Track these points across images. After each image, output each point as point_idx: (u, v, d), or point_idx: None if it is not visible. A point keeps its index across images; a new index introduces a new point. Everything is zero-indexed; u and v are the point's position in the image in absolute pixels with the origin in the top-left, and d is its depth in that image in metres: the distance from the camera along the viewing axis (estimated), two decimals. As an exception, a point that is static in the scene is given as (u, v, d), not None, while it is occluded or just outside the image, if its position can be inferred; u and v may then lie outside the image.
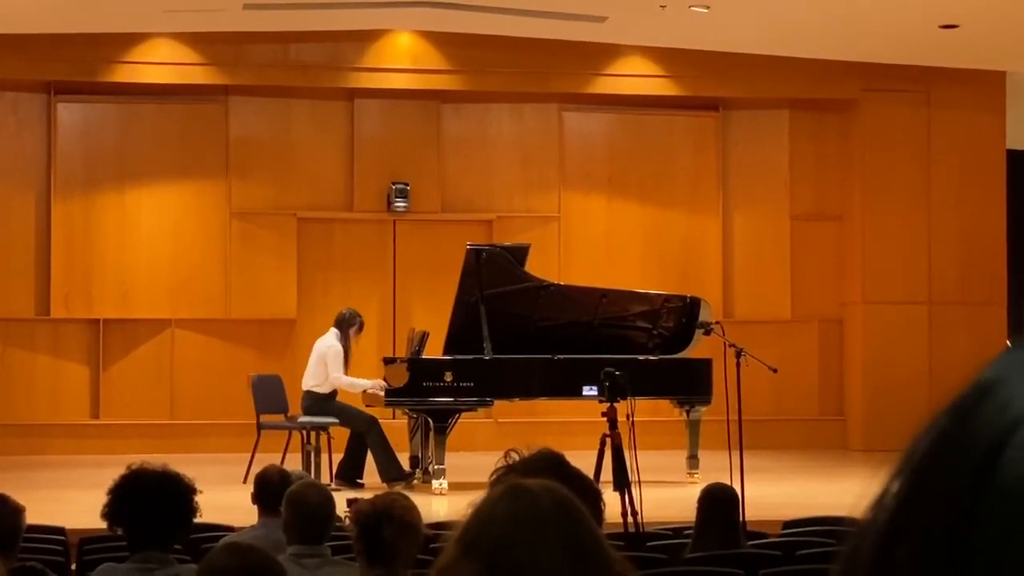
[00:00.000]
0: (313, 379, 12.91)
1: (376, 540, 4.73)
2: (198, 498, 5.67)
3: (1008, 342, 16.64)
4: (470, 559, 2.28)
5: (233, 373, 15.57)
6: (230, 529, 7.27)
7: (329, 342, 12.92)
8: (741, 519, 7.18)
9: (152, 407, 16.08)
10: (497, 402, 12.85)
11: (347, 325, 13.02)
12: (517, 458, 2.97)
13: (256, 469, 7.57)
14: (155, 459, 6.00)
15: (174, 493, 5.56)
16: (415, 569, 4.65)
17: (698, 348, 13.21)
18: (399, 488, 11.54)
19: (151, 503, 5.51)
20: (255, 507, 7.09)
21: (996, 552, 0.63)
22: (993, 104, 16.82)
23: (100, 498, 5.68)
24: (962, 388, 0.70)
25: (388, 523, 4.77)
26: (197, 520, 5.80)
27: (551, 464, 2.92)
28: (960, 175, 16.84)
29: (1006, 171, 16.94)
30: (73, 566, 7.59)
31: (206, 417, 15.90)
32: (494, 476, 2.87)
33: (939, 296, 16.77)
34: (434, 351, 12.88)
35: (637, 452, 9.71)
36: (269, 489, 6.76)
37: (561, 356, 12.57)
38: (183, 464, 6.26)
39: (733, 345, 11.34)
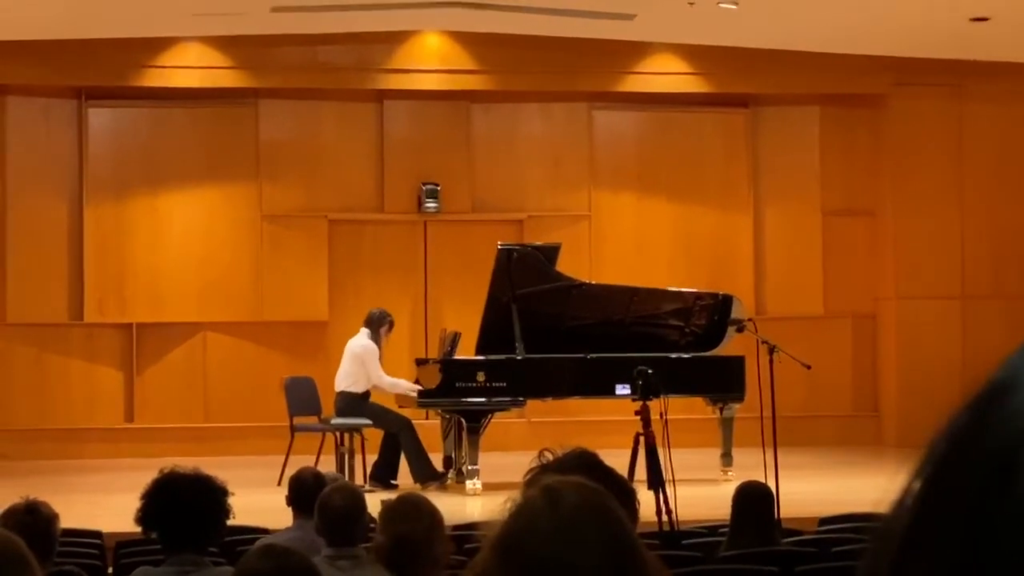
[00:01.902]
0: (346, 380, 12.91)
1: (402, 543, 4.71)
2: (231, 500, 5.68)
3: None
4: (507, 567, 2.27)
5: (266, 375, 15.60)
6: (264, 531, 7.28)
7: (363, 342, 12.92)
8: (776, 516, 7.15)
9: (185, 410, 16.12)
10: (530, 402, 12.86)
11: (377, 325, 13.02)
12: (551, 458, 2.96)
13: (290, 471, 7.59)
14: (189, 462, 6.01)
15: (206, 495, 5.57)
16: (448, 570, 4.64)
17: (730, 345, 13.18)
18: (433, 488, 11.56)
19: (183, 506, 5.52)
20: (289, 509, 7.11)
21: (1013, 559, 0.62)
22: (1024, 97, 16.74)
23: (135, 502, 5.69)
24: (978, 388, 0.68)
25: (417, 524, 4.77)
26: (231, 522, 5.82)
27: (585, 463, 2.91)
28: (992, 168, 16.76)
29: (1039, 164, 16.86)
30: (110, 569, 7.61)
31: (239, 420, 15.93)
32: (528, 476, 2.86)
33: (972, 290, 16.69)
34: (466, 351, 12.88)
35: (671, 450, 9.69)
36: (303, 491, 6.78)
37: (593, 355, 12.55)
38: (216, 467, 6.27)
39: (766, 342, 11.31)
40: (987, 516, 0.63)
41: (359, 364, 12.85)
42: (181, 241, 16.30)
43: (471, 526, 6.56)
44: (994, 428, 0.65)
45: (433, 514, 4.91)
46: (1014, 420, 0.64)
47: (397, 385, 12.88)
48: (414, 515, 4.82)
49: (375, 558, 4.92)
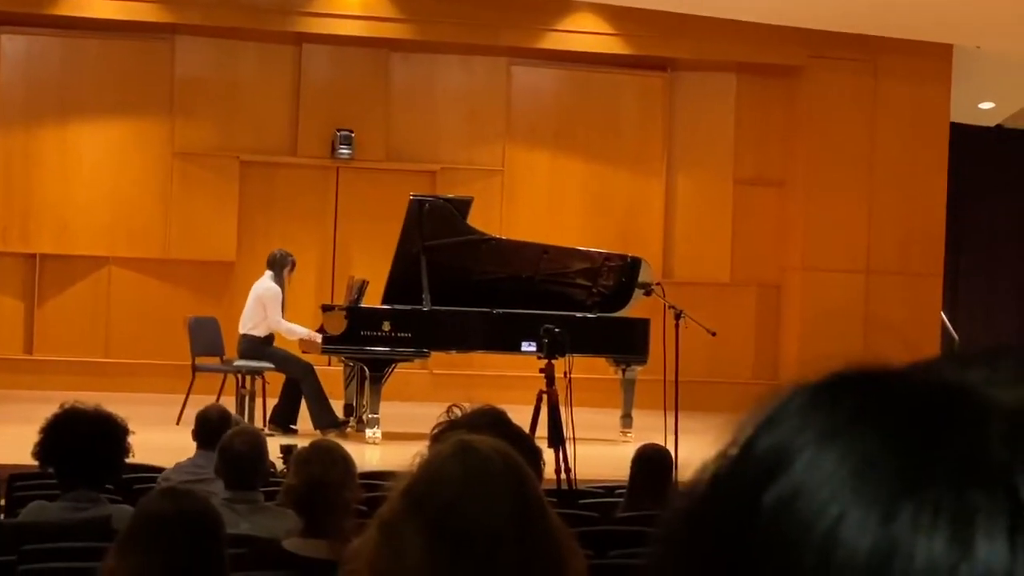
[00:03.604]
0: (250, 322, 12.85)
1: (315, 488, 4.72)
2: (131, 439, 5.66)
3: (942, 314, 16.81)
4: (416, 516, 2.28)
5: (170, 314, 15.48)
6: (162, 470, 7.23)
7: (266, 284, 12.86)
8: (674, 480, 7.21)
9: (87, 344, 15.97)
10: (434, 353, 12.85)
11: (280, 265, 12.96)
12: (460, 413, 2.97)
13: (190, 411, 7.56)
14: (88, 397, 5.98)
15: (106, 433, 5.54)
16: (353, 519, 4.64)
17: (637, 308, 13.25)
18: (332, 435, 11.54)
19: (83, 443, 5.49)
20: (190, 446, 7.10)
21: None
22: (938, 77, 16.89)
23: (32, 434, 5.65)
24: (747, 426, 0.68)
25: (331, 469, 4.78)
26: (129, 460, 5.79)
27: (493, 421, 2.92)
28: (903, 146, 16.91)
29: (948, 144, 17.03)
30: (2, 502, 7.54)
31: (141, 357, 15.82)
32: (436, 430, 2.87)
33: (877, 265, 16.87)
34: (373, 300, 12.86)
35: (573, 409, 9.75)
36: (208, 427, 6.81)
37: (500, 310, 12.57)
38: (116, 403, 6.23)
39: (673, 307, 11.39)
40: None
41: (262, 307, 12.79)
42: (90, 174, 16.11)
43: (371, 475, 6.56)
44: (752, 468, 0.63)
45: (346, 460, 4.93)
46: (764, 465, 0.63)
47: (293, 331, 12.84)
48: (328, 460, 4.84)
49: (284, 500, 4.93)
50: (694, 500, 0.65)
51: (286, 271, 13.01)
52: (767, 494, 0.61)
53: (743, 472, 0.64)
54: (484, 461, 2.32)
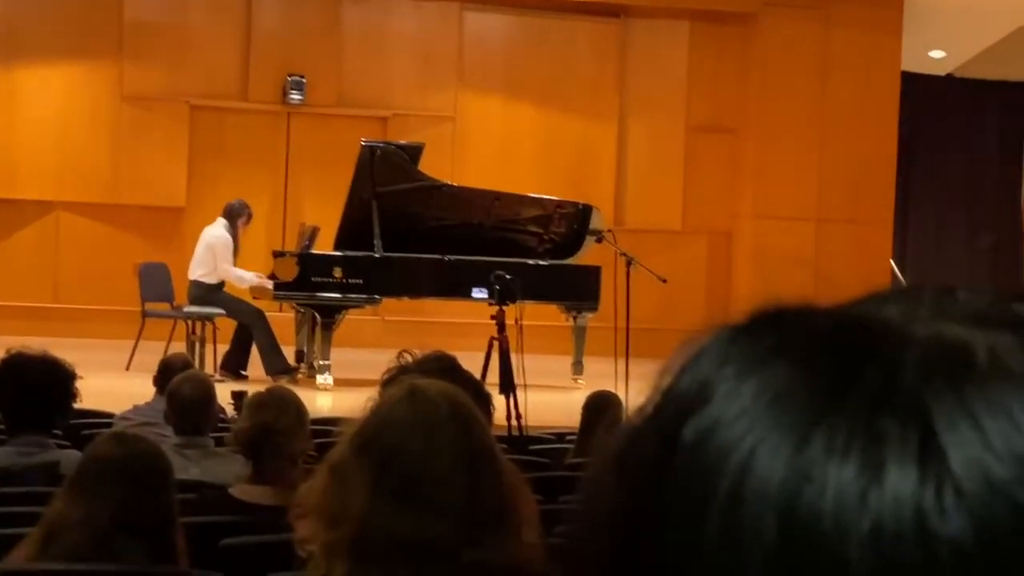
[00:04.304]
0: (200, 269, 12.80)
1: (265, 433, 4.72)
2: (78, 384, 5.64)
3: (892, 261, 16.90)
4: (363, 458, 2.28)
5: (119, 259, 15.39)
6: (110, 415, 7.21)
7: (217, 232, 12.81)
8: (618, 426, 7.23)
9: (35, 289, 15.86)
10: (385, 300, 12.84)
11: (236, 216, 12.91)
12: (410, 359, 2.97)
13: (139, 357, 7.54)
14: (36, 342, 5.95)
15: (53, 378, 5.52)
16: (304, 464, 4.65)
17: (588, 255, 13.26)
18: (284, 381, 11.53)
19: (30, 388, 5.46)
20: (139, 392, 7.08)
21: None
22: (890, 26, 16.92)
23: (-21, 380, 5.60)
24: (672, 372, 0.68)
25: (283, 416, 4.78)
26: (78, 406, 5.77)
27: (443, 367, 2.92)
28: (855, 94, 16.95)
29: (899, 92, 17.08)
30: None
31: (90, 302, 15.72)
32: (386, 376, 2.87)
33: (827, 213, 16.93)
34: (324, 246, 12.82)
35: (524, 356, 9.77)
36: (169, 374, 6.80)
37: (452, 257, 12.56)
38: (65, 349, 6.20)
39: (624, 254, 11.41)
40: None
41: (212, 254, 12.74)
42: (38, 117, 15.95)
43: (322, 421, 6.56)
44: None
45: (299, 409, 4.93)
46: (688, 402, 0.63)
47: (244, 279, 12.80)
48: (280, 407, 4.83)
49: (233, 442, 4.92)
50: (620, 440, 0.65)
51: (241, 222, 12.96)
52: (686, 428, 0.62)
53: (666, 409, 0.64)
54: (431, 406, 2.33)
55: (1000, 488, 0.56)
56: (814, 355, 0.62)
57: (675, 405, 0.64)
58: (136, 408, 7.05)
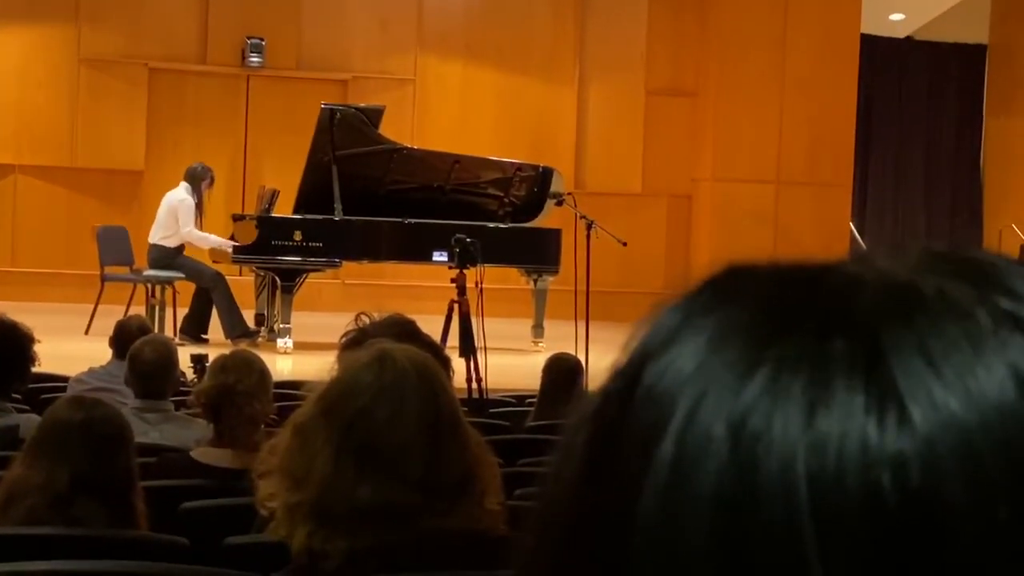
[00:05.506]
0: (161, 232, 12.75)
1: (227, 394, 4.72)
2: (36, 348, 5.62)
3: (851, 224, 16.96)
4: (328, 420, 2.29)
5: (78, 223, 15.32)
6: (68, 379, 7.19)
7: (181, 196, 12.76)
8: (584, 389, 7.25)
9: (-7, 254, 15.78)
10: (345, 263, 12.82)
11: (199, 179, 12.86)
12: (368, 322, 2.97)
13: (99, 321, 7.52)
14: (-5, 307, 5.92)
15: (11, 341, 5.50)
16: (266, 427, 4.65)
17: (548, 218, 13.27)
18: (244, 345, 11.50)
19: (-11, 352, 5.44)
20: (98, 356, 7.06)
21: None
22: (850, -12, 16.93)
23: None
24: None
25: (246, 378, 4.78)
26: (36, 370, 5.75)
27: (403, 330, 2.93)
28: (814, 57, 16.95)
29: (859, 55, 17.10)
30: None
31: (49, 266, 15.65)
32: (344, 338, 2.87)
33: (787, 176, 16.95)
34: (284, 210, 12.79)
35: (484, 319, 9.78)
36: (126, 337, 6.78)
37: (412, 220, 12.55)
38: (23, 313, 6.18)
39: (584, 217, 11.42)
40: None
41: (174, 217, 12.70)
42: (-6, 80, 15.84)
43: (283, 384, 6.56)
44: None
45: (263, 373, 4.93)
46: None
47: (206, 239, 12.76)
48: (244, 370, 4.83)
49: (195, 402, 4.92)
50: (589, 401, 0.67)
51: (204, 184, 12.90)
52: (645, 373, 0.63)
53: (630, 365, 0.65)
54: (398, 373, 2.33)
55: (944, 411, 0.57)
56: (770, 294, 0.63)
57: (638, 357, 0.65)
58: (91, 371, 7.04)
